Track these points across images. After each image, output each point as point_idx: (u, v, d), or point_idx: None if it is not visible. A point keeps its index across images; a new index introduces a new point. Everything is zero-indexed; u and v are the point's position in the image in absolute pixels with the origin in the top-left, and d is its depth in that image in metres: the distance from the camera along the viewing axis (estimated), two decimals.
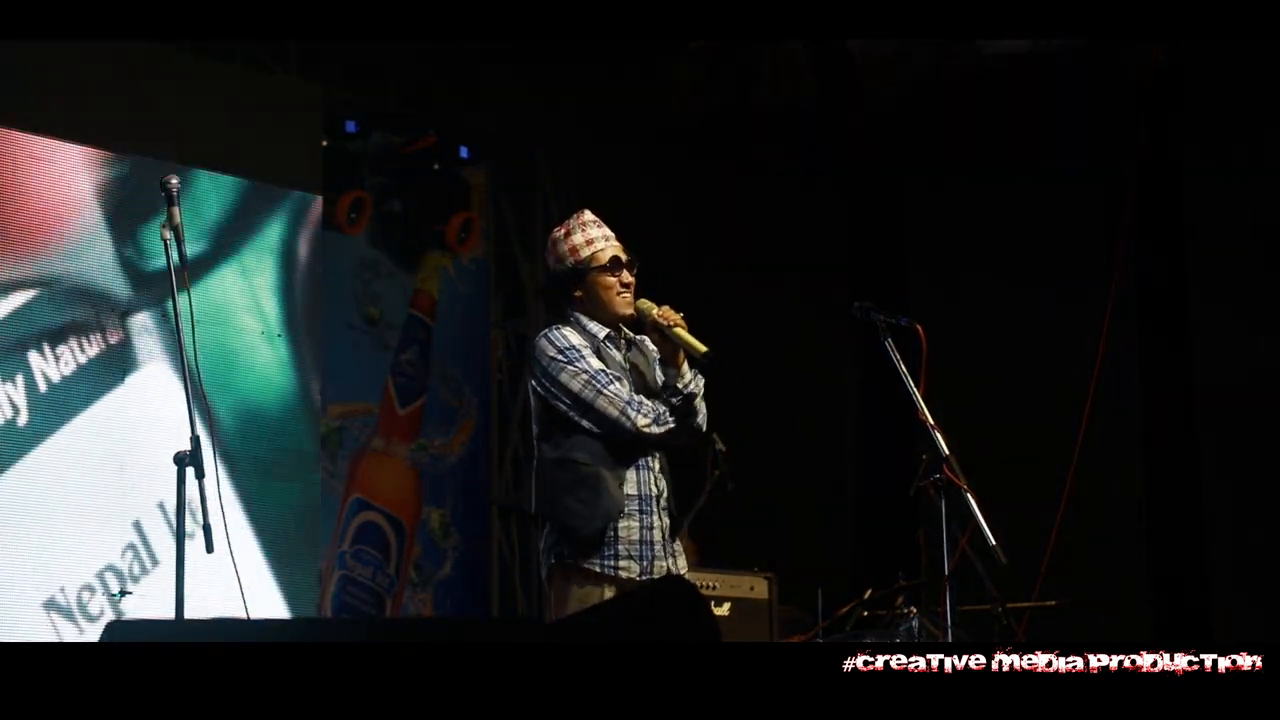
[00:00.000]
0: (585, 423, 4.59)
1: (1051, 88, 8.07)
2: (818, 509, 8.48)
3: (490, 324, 9.45)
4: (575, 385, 4.59)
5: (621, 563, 4.56)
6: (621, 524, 4.58)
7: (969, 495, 4.72)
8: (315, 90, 8.21)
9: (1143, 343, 7.76)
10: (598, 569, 4.55)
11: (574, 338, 4.66)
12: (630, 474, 4.62)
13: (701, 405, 4.76)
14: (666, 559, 4.67)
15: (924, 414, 4.80)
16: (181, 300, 4.50)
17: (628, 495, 4.60)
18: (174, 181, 4.62)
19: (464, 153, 9.11)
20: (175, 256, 4.52)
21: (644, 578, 4.57)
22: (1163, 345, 7.74)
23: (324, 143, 8.23)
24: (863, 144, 8.63)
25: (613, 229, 5.00)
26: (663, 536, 4.66)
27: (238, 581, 6.84)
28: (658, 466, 4.69)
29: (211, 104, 7.57)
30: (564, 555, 4.57)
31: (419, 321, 9.14)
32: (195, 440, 4.39)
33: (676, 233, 9.00)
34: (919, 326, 4.89)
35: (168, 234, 4.54)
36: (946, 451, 4.78)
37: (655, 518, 4.64)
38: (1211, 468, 7.46)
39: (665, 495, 4.70)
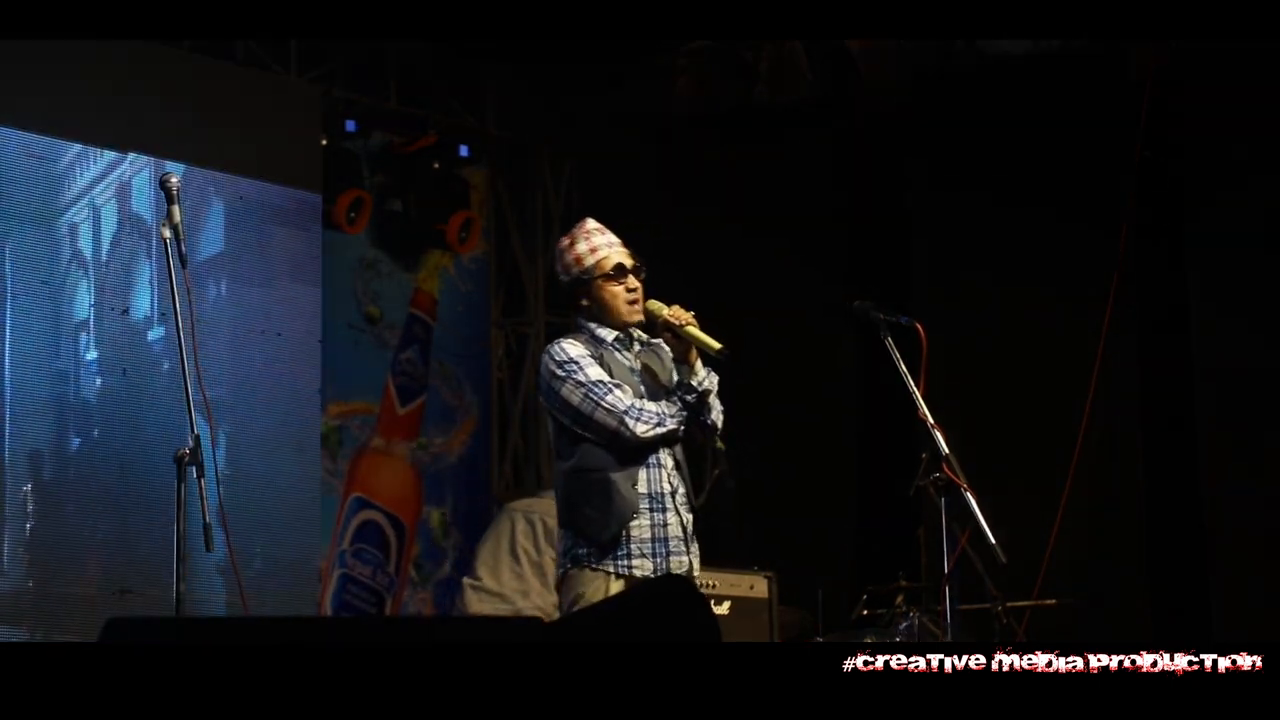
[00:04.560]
0: (588, 434, 4.62)
1: (1052, 88, 8.07)
2: (818, 509, 8.48)
3: (490, 323, 9.45)
4: (575, 399, 4.61)
5: (635, 561, 4.59)
6: (633, 523, 4.61)
7: (969, 494, 4.71)
8: (315, 90, 8.21)
9: (1143, 342, 7.76)
10: (611, 569, 4.58)
11: (574, 349, 4.67)
12: (641, 473, 4.64)
13: (716, 402, 4.78)
14: (685, 556, 4.70)
15: (924, 413, 4.79)
16: (181, 299, 4.49)
17: (639, 494, 4.61)
18: (174, 180, 4.61)
19: (464, 152, 9.11)
20: (175, 255, 4.51)
21: (658, 575, 4.60)
22: (1163, 344, 7.73)
23: (324, 142, 8.23)
24: (863, 143, 8.63)
25: (612, 229, 4.99)
26: (681, 533, 4.69)
27: (237, 580, 6.86)
28: (670, 464, 4.70)
29: (212, 104, 7.57)
30: (580, 557, 4.60)
31: (419, 321, 9.14)
32: (195, 439, 4.39)
33: (676, 232, 9.00)
34: (919, 325, 4.88)
35: (168, 233, 4.53)
36: (946, 450, 4.77)
37: (670, 515, 4.66)
38: (1212, 467, 7.45)
39: (681, 492, 4.72)
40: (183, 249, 4.51)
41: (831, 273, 8.61)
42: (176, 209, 4.55)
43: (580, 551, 4.60)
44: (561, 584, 4.67)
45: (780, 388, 8.67)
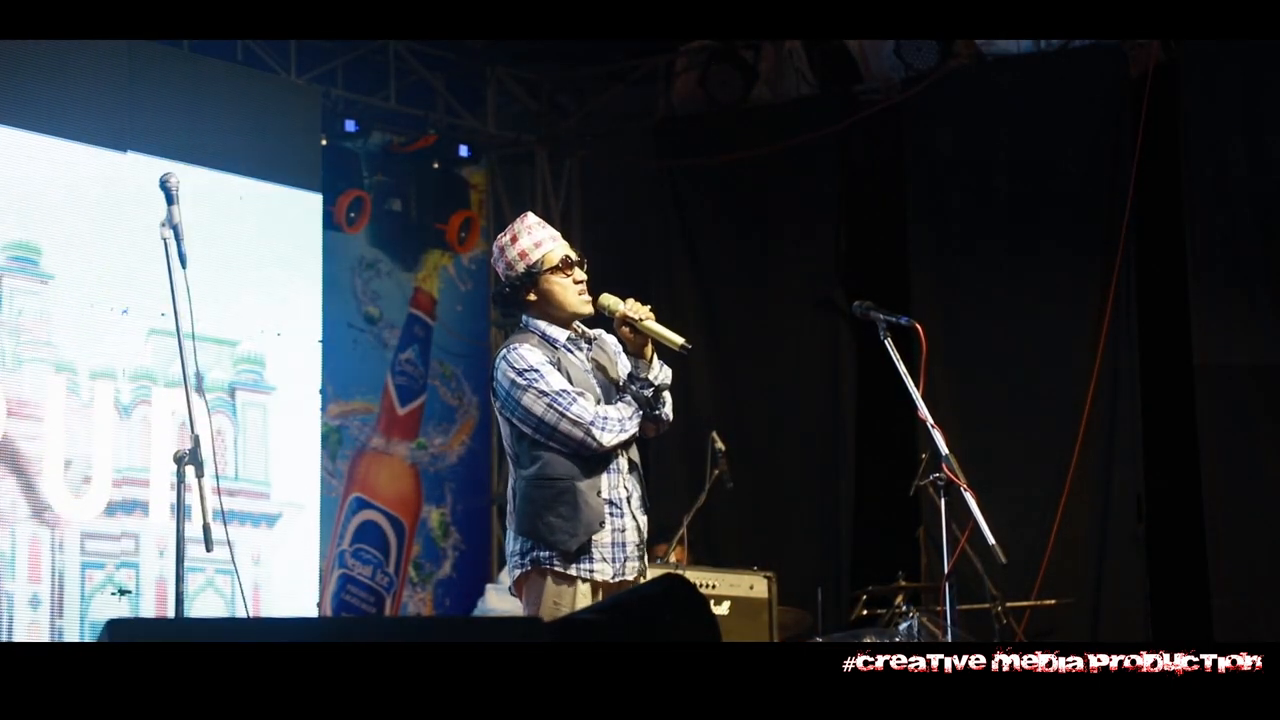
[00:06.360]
0: (552, 444, 4.59)
1: (1051, 86, 8.07)
2: (818, 509, 8.48)
3: (490, 323, 9.45)
4: (538, 410, 4.56)
5: (596, 565, 4.59)
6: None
7: (969, 494, 4.71)
8: (315, 90, 8.21)
9: (1143, 341, 7.76)
10: (573, 572, 4.58)
11: (532, 356, 4.61)
12: (603, 479, 4.62)
13: (668, 396, 4.74)
14: (639, 561, 4.69)
15: (924, 413, 4.79)
16: (181, 298, 4.49)
17: (603, 501, 4.60)
18: (174, 179, 4.60)
19: (464, 152, 9.11)
20: (175, 255, 4.51)
21: (616, 579, 4.60)
22: (1162, 343, 7.74)
23: (324, 142, 8.23)
24: (862, 143, 8.63)
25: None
26: (637, 538, 4.68)
27: (237, 580, 6.86)
28: (626, 468, 4.68)
29: (212, 104, 7.56)
30: (541, 560, 4.58)
31: (419, 320, 9.15)
32: (195, 440, 4.39)
33: (675, 232, 9.00)
34: (919, 326, 4.88)
35: (167, 232, 4.53)
36: (946, 450, 4.77)
37: (627, 519, 4.64)
38: (1212, 466, 7.45)
39: (637, 496, 4.70)
40: (182, 249, 4.51)
41: (831, 272, 8.62)
42: (176, 209, 4.55)
43: (541, 555, 4.58)
44: (521, 585, 4.65)
45: (779, 387, 8.68)
